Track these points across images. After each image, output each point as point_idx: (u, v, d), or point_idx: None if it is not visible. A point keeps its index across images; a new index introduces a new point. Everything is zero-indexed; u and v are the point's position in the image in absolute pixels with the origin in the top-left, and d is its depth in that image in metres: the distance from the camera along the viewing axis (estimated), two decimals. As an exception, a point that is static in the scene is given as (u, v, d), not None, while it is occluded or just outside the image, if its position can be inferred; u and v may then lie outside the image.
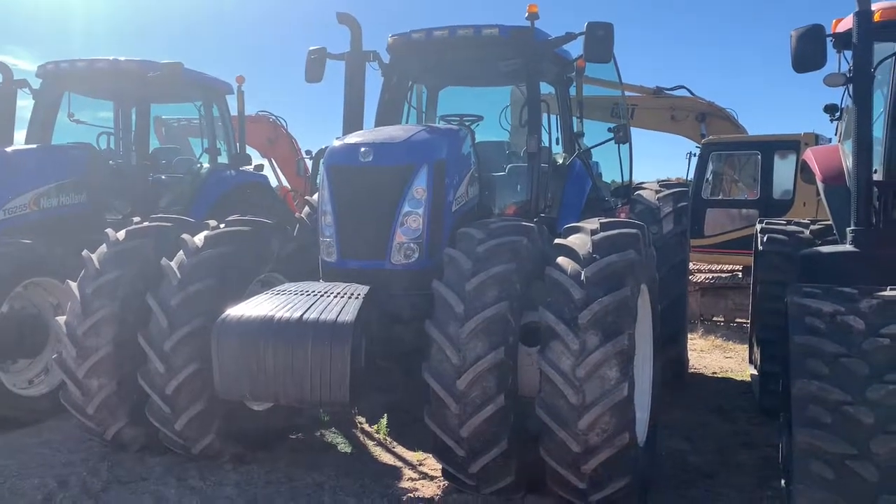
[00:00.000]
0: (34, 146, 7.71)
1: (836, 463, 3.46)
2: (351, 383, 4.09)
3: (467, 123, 7.03)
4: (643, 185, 7.90)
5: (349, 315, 4.17)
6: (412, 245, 5.06)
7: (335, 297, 4.44)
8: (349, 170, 5.18)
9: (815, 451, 3.52)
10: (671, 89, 13.52)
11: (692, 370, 8.47)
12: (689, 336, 9.11)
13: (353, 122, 6.68)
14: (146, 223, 5.47)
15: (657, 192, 7.61)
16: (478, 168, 5.97)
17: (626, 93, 14.15)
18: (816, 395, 3.62)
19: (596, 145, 7.25)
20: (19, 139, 8.27)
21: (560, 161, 7.16)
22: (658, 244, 7.04)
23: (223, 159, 9.30)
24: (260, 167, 10.19)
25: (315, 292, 4.53)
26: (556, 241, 4.59)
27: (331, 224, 5.20)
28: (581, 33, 6.06)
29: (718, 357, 9.52)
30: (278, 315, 4.22)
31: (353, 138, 5.37)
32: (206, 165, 9.01)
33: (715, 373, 8.67)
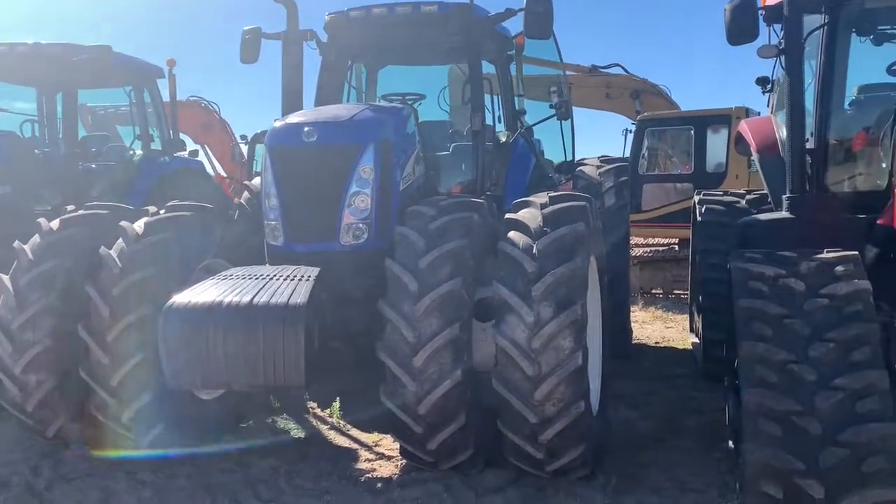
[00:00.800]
0: (-49, 135, 7.31)
1: (782, 420, 3.59)
2: (306, 365, 4.04)
3: (409, 102, 7.00)
4: (585, 161, 8.00)
5: (301, 297, 4.11)
6: (361, 225, 5.01)
7: (285, 279, 4.36)
8: (293, 150, 5.08)
9: (763, 410, 3.64)
10: (606, 67, 13.74)
11: (635, 341, 8.67)
12: (631, 308, 9.30)
13: (292, 103, 6.54)
14: (81, 211, 5.25)
15: (598, 167, 7.72)
16: (422, 147, 5.95)
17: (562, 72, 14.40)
18: (762, 355, 3.74)
19: (538, 122, 7.30)
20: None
21: (503, 139, 7.19)
22: (601, 218, 7.17)
23: (156, 146, 9.00)
24: (195, 153, 9.92)
25: (264, 276, 4.44)
26: (507, 215, 4.60)
27: (276, 207, 5.10)
28: (521, 9, 6.06)
29: (660, 328, 9.77)
30: (227, 300, 4.12)
31: (295, 118, 5.26)
32: (138, 153, 8.70)
33: (657, 343, 8.90)
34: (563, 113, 6.92)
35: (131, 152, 8.76)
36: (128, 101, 8.93)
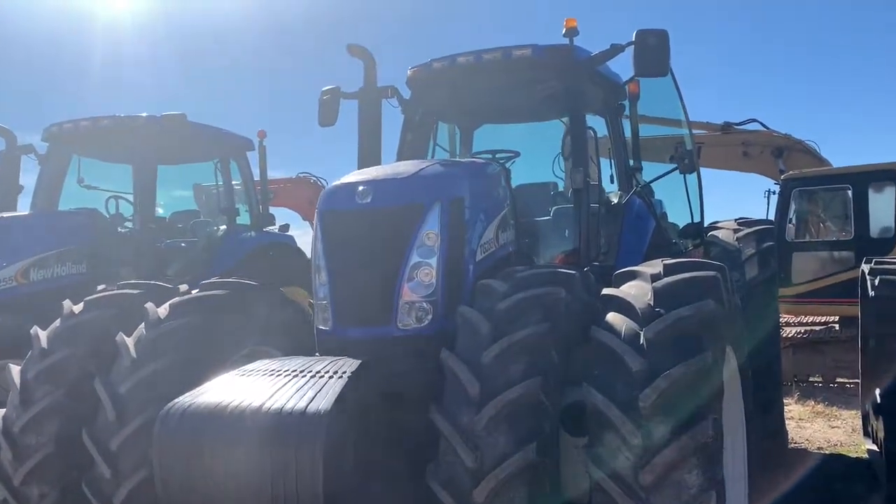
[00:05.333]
0: (25, 213, 7.10)
1: None
2: (326, 493, 3.00)
3: (501, 161, 6.09)
4: (719, 224, 6.68)
5: (324, 402, 3.10)
6: (424, 304, 4.01)
7: (313, 377, 3.39)
8: (344, 214, 4.21)
9: None
10: (741, 124, 12.33)
11: (792, 445, 7.07)
12: (784, 401, 7.70)
13: (369, 166, 5.79)
14: (110, 291, 4.58)
15: (735, 231, 6.38)
16: (514, 210, 4.98)
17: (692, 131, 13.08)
18: None
19: (656, 178, 6.13)
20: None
21: (615, 200, 6.08)
22: (741, 293, 5.82)
23: (244, 220, 8.52)
24: (285, 227, 9.38)
25: (290, 371, 3.48)
26: (605, 291, 3.46)
27: (325, 283, 4.20)
28: (629, 43, 5.08)
29: (822, 427, 8.03)
30: (232, 405, 3.18)
31: (351, 177, 4.41)
32: (222, 228, 8.23)
33: (821, 448, 7.21)
34: (687, 165, 5.70)
35: (215, 228, 8.30)
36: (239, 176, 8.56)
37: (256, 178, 8.83)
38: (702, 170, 12.44)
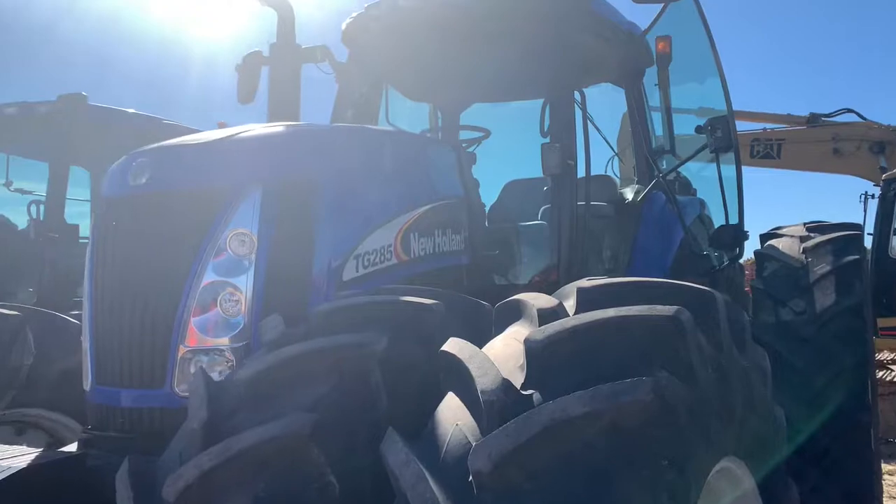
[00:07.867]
0: None
1: None
2: None
3: (464, 145, 4.51)
4: (781, 230, 4.75)
5: None
6: (226, 353, 2.40)
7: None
8: (115, 204, 2.68)
9: None
10: (831, 115, 10.42)
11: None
12: (885, 469, 5.68)
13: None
14: None
15: (803, 239, 4.43)
16: (467, 207, 3.53)
17: (770, 126, 11.08)
18: None
19: (682, 163, 4.32)
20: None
21: (629, 197, 4.37)
22: (807, 332, 3.95)
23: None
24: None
25: None
26: (447, 344, 1.68)
27: (87, 317, 2.65)
28: None
29: (940, 510, 5.89)
30: None
31: (143, 148, 2.86)
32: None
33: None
34: (720, 139, 3.81)
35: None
36: None
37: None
38: (784, 172, 10.46)
